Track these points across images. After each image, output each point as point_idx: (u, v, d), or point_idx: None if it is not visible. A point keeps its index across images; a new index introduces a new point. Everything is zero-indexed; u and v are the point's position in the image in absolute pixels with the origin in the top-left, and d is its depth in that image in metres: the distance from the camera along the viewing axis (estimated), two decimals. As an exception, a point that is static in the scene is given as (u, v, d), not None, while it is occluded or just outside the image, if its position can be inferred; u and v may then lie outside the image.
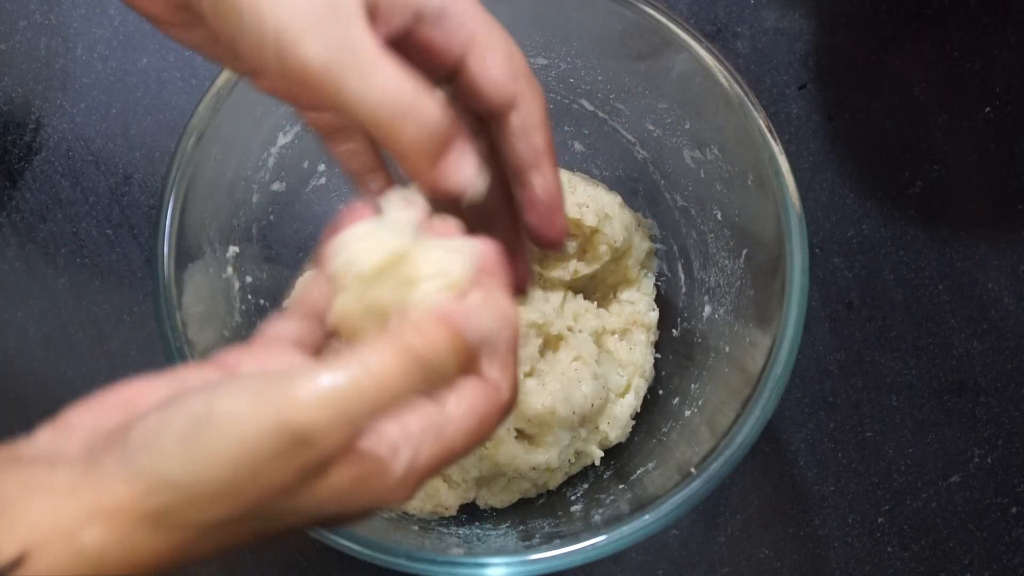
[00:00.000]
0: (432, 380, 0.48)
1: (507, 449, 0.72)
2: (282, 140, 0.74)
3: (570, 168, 0.79)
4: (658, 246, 0.79)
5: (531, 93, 0.55)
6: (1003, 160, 0.84)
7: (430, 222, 0.53)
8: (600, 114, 0.77)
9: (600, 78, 0.75)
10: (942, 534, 0.77)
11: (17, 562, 0.46)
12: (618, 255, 0.76)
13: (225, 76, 0.68)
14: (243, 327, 0.74)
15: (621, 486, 0.73)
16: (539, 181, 0.57)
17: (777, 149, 0.68)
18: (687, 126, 0.72)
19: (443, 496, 0.74)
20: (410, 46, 0.53)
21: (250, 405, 0.46)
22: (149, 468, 0.46)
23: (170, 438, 0.46)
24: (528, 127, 0.56)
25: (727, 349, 0.73)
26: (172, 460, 0.46)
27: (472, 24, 0.54)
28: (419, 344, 0.48)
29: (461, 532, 0.73)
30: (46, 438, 0.48)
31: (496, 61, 0.54)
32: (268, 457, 0.45)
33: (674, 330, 0.78)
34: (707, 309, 0.76)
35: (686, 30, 0.69)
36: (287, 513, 0.47)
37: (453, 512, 0.74)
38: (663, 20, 0.69)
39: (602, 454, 0.76)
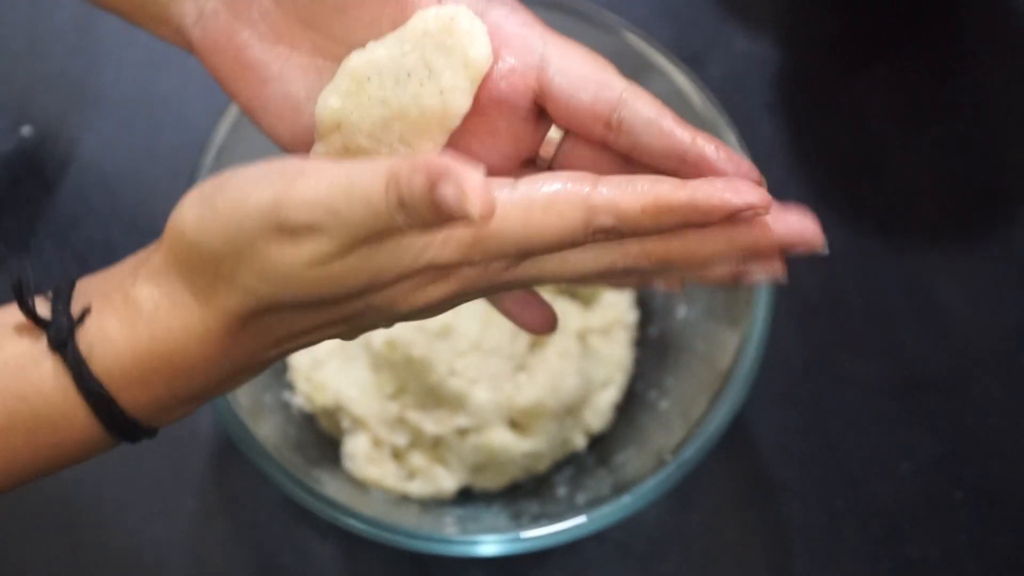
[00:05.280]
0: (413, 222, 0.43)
1: (500, 437, 0.73)
2: (295, 155, 0.75)
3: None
4: (637, 253, 0.78)
5: (627, 86, 0.49)
6: (953, 176, 0.85)
7: None
8: (585, 133, 0.77)
9: (585, 100, 0.75)
10: (895, 517, 0.77)
11: (83, 315, 0.47)
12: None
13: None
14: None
15: (603, 471, 0.74)
16: (704, 152, 0.47)
17: (747, 165, 0.68)
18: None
19: (442, 480, 0.74)
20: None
21: (253, 183, 0.45)
22: (171, 228, 0.47)
23: (191, 198, 0.46)
24: (650, 119, 0.48)
25: (700, 347, 0.73)
26: (187, 215, 0.46)
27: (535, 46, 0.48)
28: (403, 185, 0.42)
29: (457, 512, 0.73)
30: None
31: (570, 77, 0.48)
32: (253, 233, 0.44)
33: (651, 329, 0.78)
34: (682, 310, 0.76)
35: (664, 55, 0.69)
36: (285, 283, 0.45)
37: (451, 495, 0.74)
38: (642, 46, 0.70)
39: (586, 442, 0.76)
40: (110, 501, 0.76)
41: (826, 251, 0.47)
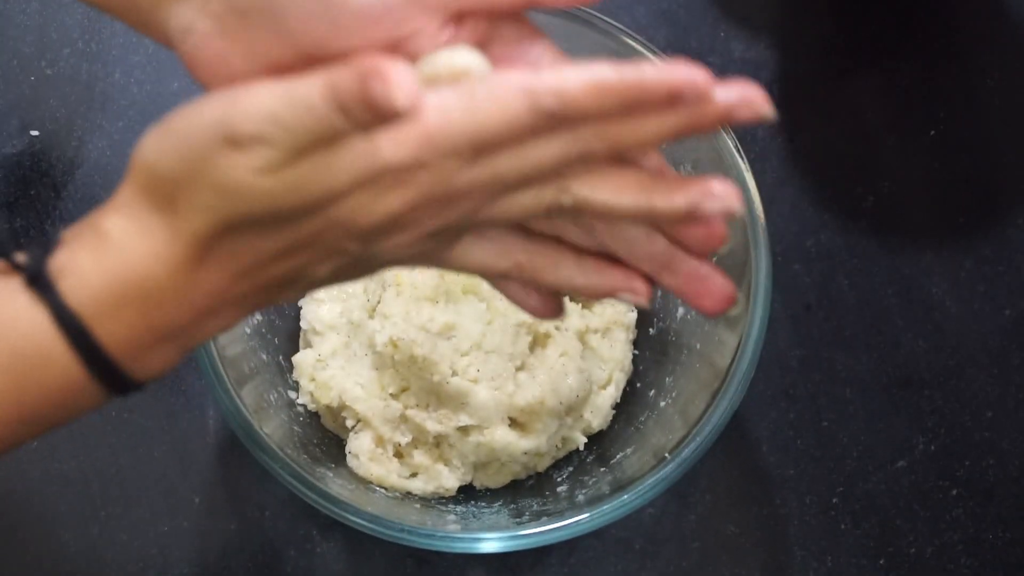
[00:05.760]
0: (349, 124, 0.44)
1: (501, 436, 0.72)
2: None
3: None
4: (636, 254, 0.78)
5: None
6: (946, 177, 0.85)
7: None
8: (585, 136, 0.77)
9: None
10: (890, 513, 0.77)
11: (52, 246, 0.47)
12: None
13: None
14: (263, 325, 0.75)
15: (602, 469, 0.73)
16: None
17: (744, 167, 0.68)
18: (663, 146, 0.72)
19: (444, 478, 0.74)
20: None
21: (203, 104, 0.45)
22: (134, 158, 0.47)
23: (151, 129, 0.47)
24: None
25: (698, 346, 0.73)
26: (147, 142, 0.47)
27: None
28: (343, 85, 0.43)
29: (458, 510, 0.73)
30: None
31: None
32: (205, 147, 0.45)
33: (651, 329, 0.78)
34: (680, 310, 0.76)
35: (662, 60, 0.69)
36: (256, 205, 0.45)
37: (453, 492, 0.74)
38: (642, 51, 0.70)
39: (585, 440, 0.76)
40: (117, 497, 0.76)
41: (773, 115, 0.46)
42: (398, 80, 0.42)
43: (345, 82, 0.43)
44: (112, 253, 0.47)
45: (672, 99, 0.45)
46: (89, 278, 0.47)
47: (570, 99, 0.44)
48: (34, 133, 0.83)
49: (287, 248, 0.47)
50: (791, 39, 0.88)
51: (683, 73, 0.45)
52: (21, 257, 0.48)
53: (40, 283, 0.47)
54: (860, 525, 0.77)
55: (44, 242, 0.48)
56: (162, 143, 0.46)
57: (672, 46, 0.85)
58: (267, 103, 0.44)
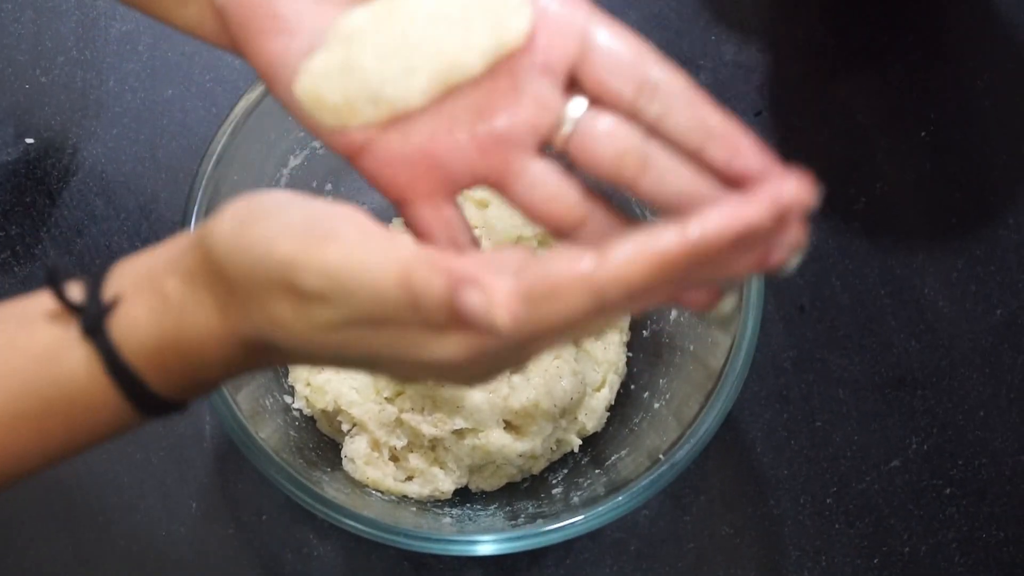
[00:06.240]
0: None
1: (497, 439, 0.72)
2: (293, 162, 0.75)
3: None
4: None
5: (665, 60, 0.48)
6: (938, 178, 0.85)
7: None
8: (578, 138, 0.77)
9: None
10: (884, 513, 0.77)
11: (112, 303, 0.47)
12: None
13: (242, 105, 0.68)
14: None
15: (597, 471, 0.73)
16: (733, 134, 0.48)
17: (736, 169, 0.68)
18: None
19: (440, 481, 0.73)
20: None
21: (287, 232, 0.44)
22: (209, 232, 0.46)
23: (230, 215, 0.46)
24: (686, 87, 0.48)
25: (692, 348, 0.73)
26: (221, 233, 0.46)
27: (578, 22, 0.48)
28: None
29: (454, 513, 0.73)
30: None
31: (613, 40, 0.48)
32: (268, 281, 0.45)
33: (644, 331, 0.78)
34: (674, 312, 0.76)
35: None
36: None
37: (448, 495, 0.74)
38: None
39: (580, 442, 0.76)
40: (115, 503, 0.76)
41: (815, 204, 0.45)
42: (501, 297, 0.40)
43: (428, 283, 0.41)
44: (169, 314, 0.47)
45: (737, 246, 0.43)
46: (143, 331, 0.47)
47: (637, 287, 0.42)
48: (29, 141, 0.83)
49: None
50: (783, 42, 0.88)
51: (744, 216, 0.42)
52: (75, 292, 0.47)
53: (98, 338, 0.47)
54: (854, 525, 0.77)
55: (98, 279, 0.48)
56: (233, 247, 0.45)
57: (664, 50, 0.84)
58: (337, 267, 0.43)
